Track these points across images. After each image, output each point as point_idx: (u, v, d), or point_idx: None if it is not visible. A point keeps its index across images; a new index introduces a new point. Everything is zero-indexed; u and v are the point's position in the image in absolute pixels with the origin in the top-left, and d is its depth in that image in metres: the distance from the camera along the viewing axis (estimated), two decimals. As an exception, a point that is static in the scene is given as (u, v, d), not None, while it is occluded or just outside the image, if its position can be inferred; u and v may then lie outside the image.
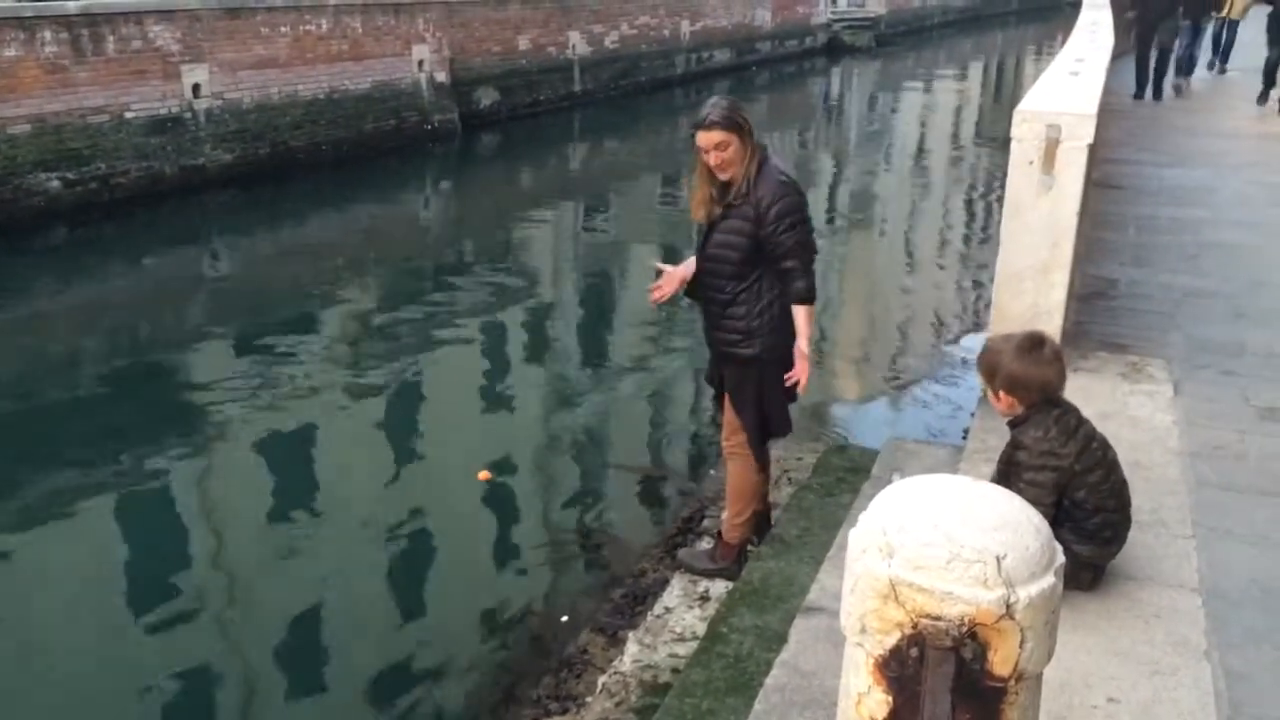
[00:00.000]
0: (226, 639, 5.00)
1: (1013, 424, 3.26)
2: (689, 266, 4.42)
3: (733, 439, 4.52)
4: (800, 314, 4.17)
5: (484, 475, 6.35)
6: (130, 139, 12.75)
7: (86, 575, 5.48)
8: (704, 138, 4.02)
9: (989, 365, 3.23)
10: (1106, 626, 3.09)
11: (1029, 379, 3.14)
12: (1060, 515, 3.13)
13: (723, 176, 4.09)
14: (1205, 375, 4.96)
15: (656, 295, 4.49)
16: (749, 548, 4.64)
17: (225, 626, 5.09)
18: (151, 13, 13.01)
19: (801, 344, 4.18)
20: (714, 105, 4.08)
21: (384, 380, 7.96)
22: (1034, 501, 3.07)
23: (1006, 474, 3.18)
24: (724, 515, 4.81)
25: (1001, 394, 3.21)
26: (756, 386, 4.35)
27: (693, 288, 4.41)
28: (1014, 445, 3.17)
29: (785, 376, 4.27)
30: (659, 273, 4.49)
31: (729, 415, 4.50)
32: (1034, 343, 3.20)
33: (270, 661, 4.85)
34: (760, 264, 4.14)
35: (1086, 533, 3.16)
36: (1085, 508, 3.16)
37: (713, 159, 4.04)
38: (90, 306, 9.92)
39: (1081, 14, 11.02)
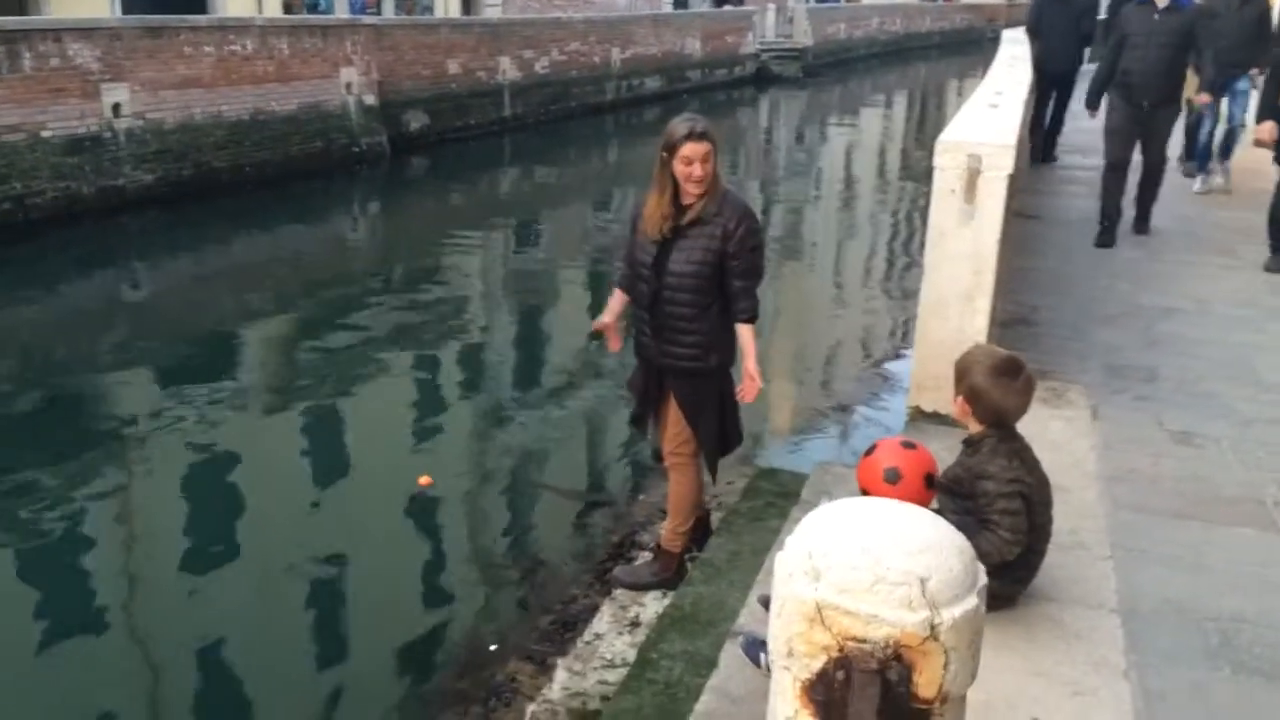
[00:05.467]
0: (131, 674, 4.83)
1: (969, 445, 3.22)
2: (615, 301, 4.59)
3: (682, 449, 4.54)
4: (746, 332, 4.27)
5: (425, 480, 6.29)
6: (47, 159, 12.41)
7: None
8: (695, 149, 4.04)
9: (962, 368, 3.24)
10: (1028, 648, 3.14)
11: (990, 399, 3.13)
12: None
13: (696, 191, 4.11)
14: (1121, 400, 5.09)
15: (615, 346, 4.71)
16: (688, 558, 4.65)
17: (128, 660, 4.92)
18: (70, 30, 12.72)
19: (749, 362, 4.26)
20: (695, 119, 4.14)
21: (309, 406, 7.81)
22: (1013, 532, 3.03)
23: (971, 510, 3.11)
24: (664, 526, 4.82)
25: (960, 399, 3.22)
26: (718, 398, 4.44)
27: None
28: (977, 476, 3.12)
29: (736, 391, 4.40)
30: (599, 333, 4.67)
31: (675, 427, 4.50)
32: (1011, 368, 3.17)
33: (180, 699, 4.71)
34: (722, 280, 4.21)
35: (1003, 568, 3.09)
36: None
37: (698, 171, 4.06)
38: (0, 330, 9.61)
39: (1000, 48, 11.31)
